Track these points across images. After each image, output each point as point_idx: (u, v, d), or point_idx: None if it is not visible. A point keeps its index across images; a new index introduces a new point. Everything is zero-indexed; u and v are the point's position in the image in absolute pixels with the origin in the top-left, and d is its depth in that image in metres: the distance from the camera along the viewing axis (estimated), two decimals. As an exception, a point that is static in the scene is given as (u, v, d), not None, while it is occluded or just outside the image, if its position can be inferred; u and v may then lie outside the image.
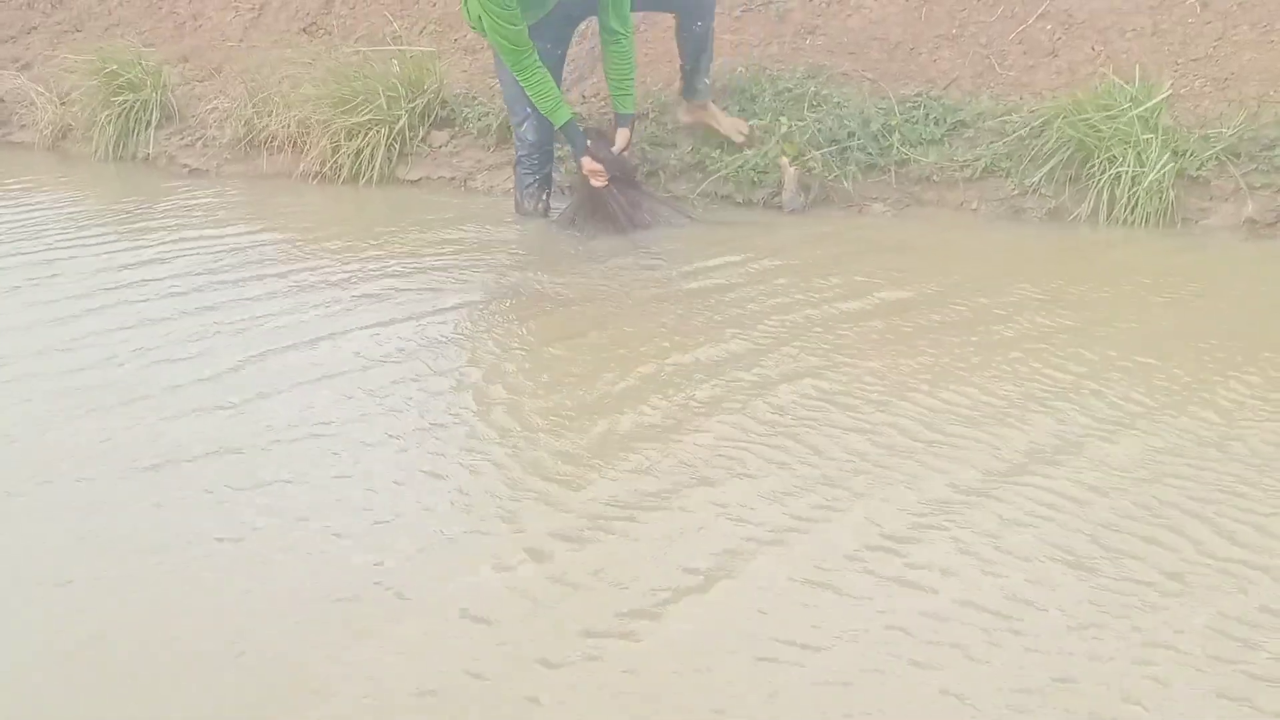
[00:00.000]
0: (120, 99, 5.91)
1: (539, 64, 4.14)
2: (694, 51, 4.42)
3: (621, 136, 4.30)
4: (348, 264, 3.97)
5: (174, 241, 4.38)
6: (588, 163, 4.22)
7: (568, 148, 4.42)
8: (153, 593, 2.03)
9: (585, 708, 1.69)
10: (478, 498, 2.31)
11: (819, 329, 3.15)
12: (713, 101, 4.56)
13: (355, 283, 3.74)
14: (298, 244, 4.28)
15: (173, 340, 3.24)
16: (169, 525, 2.24)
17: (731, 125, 4.54)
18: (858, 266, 3.74)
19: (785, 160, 4.39)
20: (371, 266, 3.93)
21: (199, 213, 4.89)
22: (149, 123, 5.90)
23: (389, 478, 2.39)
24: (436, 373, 2.94)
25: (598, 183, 4.24)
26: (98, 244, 4.39)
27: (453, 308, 3.46)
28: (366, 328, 3.28)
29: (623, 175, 4.29)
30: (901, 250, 3.94)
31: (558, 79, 4.37)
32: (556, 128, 4.26)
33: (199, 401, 2.81)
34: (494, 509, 2.26)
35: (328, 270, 3.90)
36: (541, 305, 3.50)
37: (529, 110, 4.31)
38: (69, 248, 4.34)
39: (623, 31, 4.18)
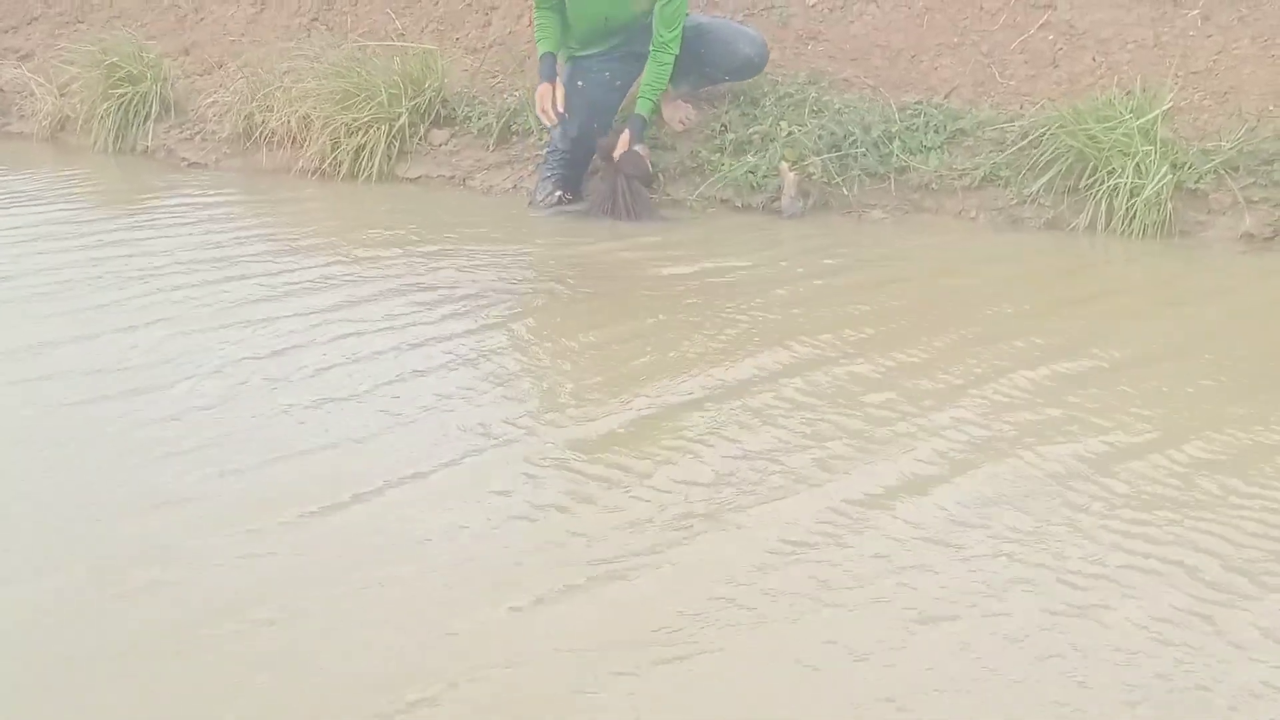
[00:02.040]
0: (120, 91, 5.90)
1: (552, 9, 4.54)
2: (703, 84, 4.72)
3: (623, 141, 4.44)
4: (340, 260, 3.97)
5: (163, 234, 4.39)
6: (544, 89, 4.50)
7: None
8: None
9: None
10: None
11: (811, 330, 3.15)
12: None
13: (344, 279, 3.73)
14: (290, 239, 4.28)
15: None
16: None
17: (674, 112, 4.71)
18: (853, 272, 3.75)
19: (785, 165, 4.40)
20: (364, 262, 3.93)
21: (193, 204, 4.90)
22: (148, 115, 5.90)
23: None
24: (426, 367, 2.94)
25: (541, 112, 4.52)
26: (86, 228, 4.42)
27: (445, 304, 3.45)
28: (360, 329, 3.28)
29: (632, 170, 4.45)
30: (897, 257, 3.95)
31: (606, 120, 4.61)
32: (539, 55, 4.58)
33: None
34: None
35: (315, 267, 3.89)
36: (533, 302, 3.50)
37: (566, 115, 4.51)
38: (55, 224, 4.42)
39: (670, 40, 4.41)
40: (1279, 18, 4.33)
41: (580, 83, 4.56)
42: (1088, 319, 3.29)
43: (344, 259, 3.97)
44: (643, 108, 4.47)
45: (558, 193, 4.57)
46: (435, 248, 4.09)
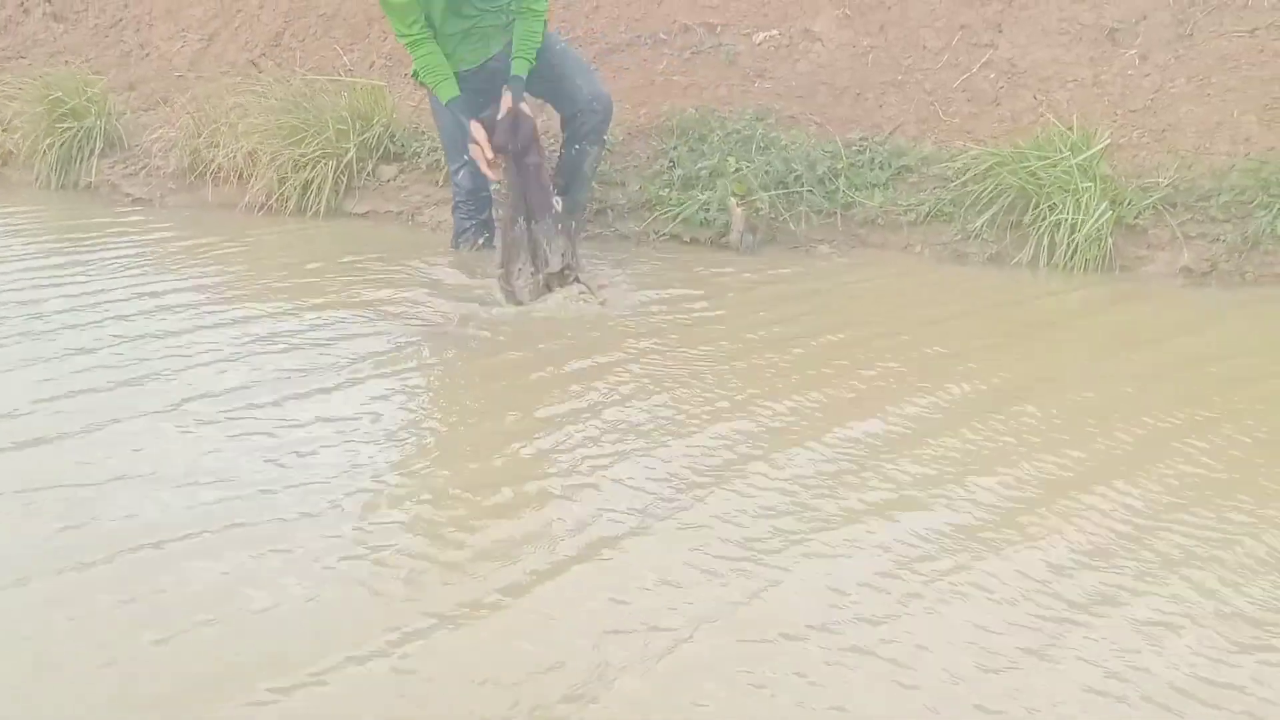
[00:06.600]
0: (64, 126, 5.83)
1: (428, 36, 3.99)
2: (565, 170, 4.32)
3: (505, 100, 3.92)
4: (286, 299, 3.93)
5: (101, 274, 4.32)
6: (477, 131, 3.87)
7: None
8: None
9: None
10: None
11: (761, 367, 3.16)
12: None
13: (287, 319, 3.69)
14: (233, 277, 4.24)
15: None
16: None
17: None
18: (798, 305, 3.77)
19: (734, 201, 4.42)
20: (310, 302, 3.89)
21: (134, 242, 4.84)
22: (92, 151, 5.83)
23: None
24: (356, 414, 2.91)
25: (484, 164, 3.89)
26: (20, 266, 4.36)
27: (389, 349, 3.42)
28: (296, 369, 3.24)
29: (522, 146, 3.89)
30: (842, 293, 3.98)
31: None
32: (443, 103, 4.05)
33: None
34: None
35: (262, 306, 3.85)
36: (480, 347, 3.47)
37: (466, 157, 4.14)
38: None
39: (539, 10, 4.01)
40: (1214, 57, 4.43)
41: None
42: (1030, 357, 3.32)
43: (286, 298, 3.93)
44: (519, 69, 3.98)
45: (479, 240, 4.42)
46: (384, 287, 4.05)
